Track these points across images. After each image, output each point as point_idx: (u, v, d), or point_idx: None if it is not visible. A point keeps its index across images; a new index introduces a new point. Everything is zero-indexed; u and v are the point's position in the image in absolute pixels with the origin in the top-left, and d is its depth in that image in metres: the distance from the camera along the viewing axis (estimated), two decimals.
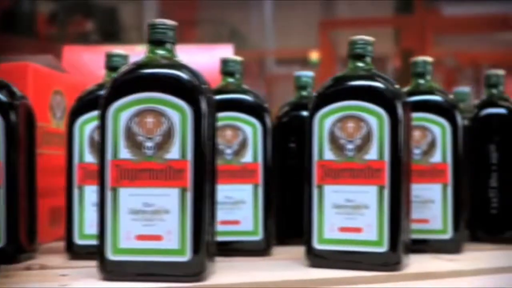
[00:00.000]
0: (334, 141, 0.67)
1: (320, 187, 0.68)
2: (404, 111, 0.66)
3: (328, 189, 0.67)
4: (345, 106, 0.67)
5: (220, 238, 0.76)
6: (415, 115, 0.78)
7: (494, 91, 0.91)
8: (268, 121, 0.77)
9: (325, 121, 0.68)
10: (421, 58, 0.82)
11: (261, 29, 4.78)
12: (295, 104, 0.89)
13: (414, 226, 0.78)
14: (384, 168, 0.65)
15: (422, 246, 0.78)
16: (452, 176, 0.78)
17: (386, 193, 0.65)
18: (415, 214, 0.78)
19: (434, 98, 0.79)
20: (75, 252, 0.73)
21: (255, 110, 0.77)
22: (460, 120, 0.78)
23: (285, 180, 0.86)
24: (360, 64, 0.70)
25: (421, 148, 0.78)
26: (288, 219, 0.85)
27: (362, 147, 0.66)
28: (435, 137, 0.78)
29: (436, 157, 0.78)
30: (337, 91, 0.68)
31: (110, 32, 4.42)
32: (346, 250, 0.66)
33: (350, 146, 0.67)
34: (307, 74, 0.90)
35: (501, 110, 0.89)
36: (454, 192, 0.77)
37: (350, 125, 0.67)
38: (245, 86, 0.80)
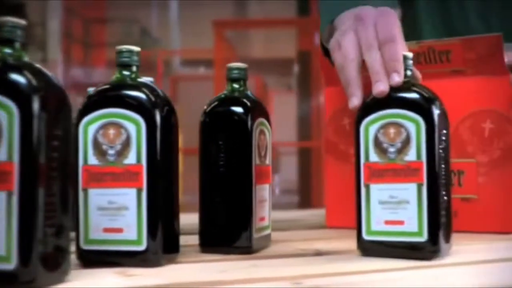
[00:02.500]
0: None
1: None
2: (42, 107, 0.57)
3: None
4: None
5: None
6: (110, 110, 0.70)
7: (236, 85, 0.83)
8: None
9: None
10: (125, 47, 0.73)
11: (167, 29, 4.69)
12: None
13: (109, 236, 0.70)
14: (13, 171, 0.56)
15: (117, 259, 0.69)
16: (147, 179, 0.69)
17: None
18: (109, 223, 0.70)
19: (131, 93, 0.70)
20: None
21: None
22: (158, 118, 0.69)
23: None
24: (8, 51, 0.60)
25: (115, 148, 0.70)
26: None
27: None
28: (130, 136, 0.69)
29: (131, 159, 0.69)
30: None
31: None
32: None
33: None
34: None
35: (236, 108, 0.80)
36: (148, 198, 0.69)
37: None
38: None
